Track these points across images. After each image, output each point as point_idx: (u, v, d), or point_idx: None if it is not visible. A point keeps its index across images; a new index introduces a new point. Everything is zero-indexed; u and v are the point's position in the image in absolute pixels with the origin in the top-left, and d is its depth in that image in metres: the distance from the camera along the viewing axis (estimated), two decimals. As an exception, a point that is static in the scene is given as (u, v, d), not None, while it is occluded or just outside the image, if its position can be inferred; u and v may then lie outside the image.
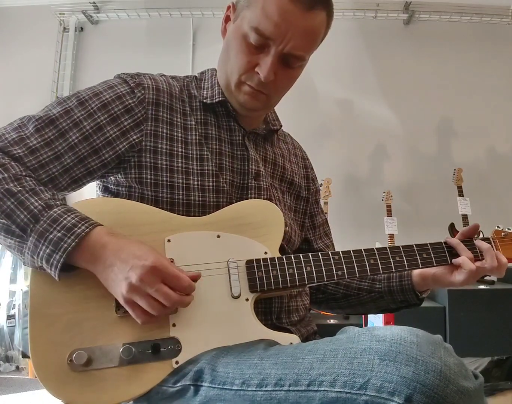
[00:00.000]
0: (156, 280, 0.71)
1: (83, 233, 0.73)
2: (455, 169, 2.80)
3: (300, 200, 1.10)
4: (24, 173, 0.78)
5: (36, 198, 0.75)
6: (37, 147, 0.81)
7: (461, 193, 2.73)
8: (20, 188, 0.75)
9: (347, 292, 1.10)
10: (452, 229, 2.69)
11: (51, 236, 0.72)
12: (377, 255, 0.89)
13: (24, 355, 2.66)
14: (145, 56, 3.24)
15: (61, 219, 0.74)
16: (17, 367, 2.75)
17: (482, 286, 2.44)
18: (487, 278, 2.54)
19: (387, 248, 0.90)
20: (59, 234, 0.72)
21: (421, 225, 3.00)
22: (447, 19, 3.19)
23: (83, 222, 0.74)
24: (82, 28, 3.41)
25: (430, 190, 3.10)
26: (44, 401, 2.26)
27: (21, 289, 2.78)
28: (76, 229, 0.73)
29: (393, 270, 0.89)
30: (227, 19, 0.96)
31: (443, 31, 3.22)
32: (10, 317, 2.79)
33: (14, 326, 2.77)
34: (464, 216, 2.64)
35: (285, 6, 0.83)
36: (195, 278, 0.77)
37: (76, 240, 0.72)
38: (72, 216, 0.75)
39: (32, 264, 0.75)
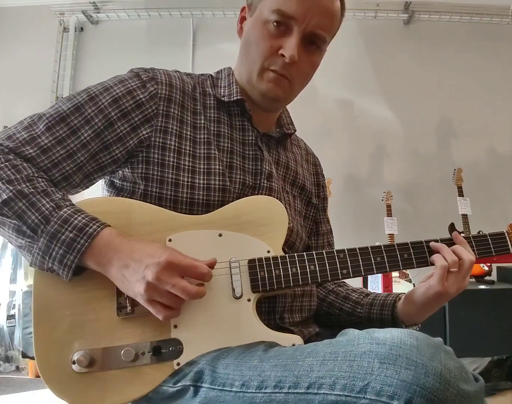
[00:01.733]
0: (172, 275, 0.72)
1: (95, 233, 0.74)
2: (455, 169, 2.80)
3: (311, 206, 1.09)
4: (36, 174, 0.78)
5: (48, 200, 0.75)
6: (48, 146, 0.81)
7: (461, 193, 2.73)
8: (32, 190, 0.75)
9: (329, 311, 1.07)
10: (452, 229, 2.69)
11: (63, 237, 0.73)
12: (384, 252, 0.86)
13: (24, 355, 2.65)
14: (145, 56, 3.23)
15: (72, 219, 0.74)
16: (17, 367, 2.75)
17: (482, 286, 2.44)
18: (487, 278, 2.55)
19: (395, 245, 0.88)
20: (71, 235, 0.73)
21: (421, 225, 3.00)
22: (447, 19, 3.19)
23: (94, 222, 0.75)
24: (82, 28, 3.40)
25: (430, 190, 3.10)
26: (44, 401, 2.26)
27: (21, 289, 2.77)
28: (88, 229, 0.74)
29: (401, 268, 0.87)
30: (242, 19, 0.97)
31: (443, 31, 3.22)
32: (10, 317, 2.78)
33: (14, 326, 2.76)
34: (464, 216, 2.64)
35: None
36: (211, 265, 0.77)
37: (89, 240, 0.73)
38: (82, 216, 0.75)
39: (41, 265, 0.75)
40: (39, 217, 0.74)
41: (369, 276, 2.31)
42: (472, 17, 3.15)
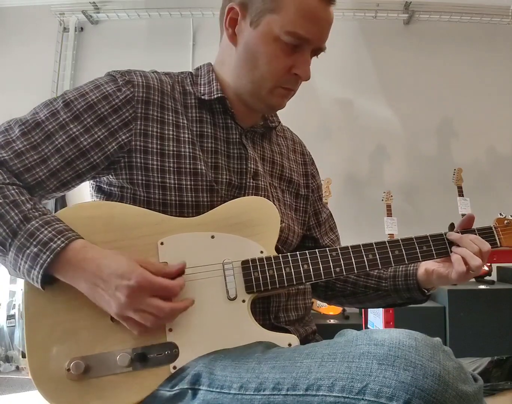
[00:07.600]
0: (145, 295, 0.71)
1: (58, 248, 0.72)
2: (455, 169, 2.79)
3: (300, 198, 1.08)
4: (7, 181, 0.78)
5: (17, 211, 0.74)
6: (22, 150, 0.81)
7: (461, 193, 2.72)
8: (1, 200, 0.75)
9: (355, 290, 1.08)
10: (452, 229, 2.69)
11: (28, 251, 0.72)
12: (375, 249, 0.87)
13: (24, 355, 2.65)
14: (145, 56, 3.24)
15: (38, 233, 0.73)
16: (17, 367, 2.75)
17: (482, 286, 2.44)
18: (487, 278, 2.55)
19: (386, 242, 0.89)
20: (35, 250, 0.72)
21: (421, 225, 2.99)
22: (447, 19, 3.19)
23: (59, 236, 0.73)
24: (82, 28, 3.41)
25: (430, 190, 3.10)
26: (44, 401, 2.26)
27: (21, 289, 2.76)
28: (51, 243, 0.72)
29: (393, 265, 0.88)
30: (232, 22, 0.91)
31: (443, 31, 3.22)
32: (10, 317, 2.79)
33: (14, 326, 2.77)
34: (464, 216, 2.64)
35: (315, 5, 0.86)
36: (181, 271, 0.77)
37: (51, 256, 0.72)
38: (49, 229, 0.74)
39: (16, 275, 0.76)
40: (7, 230, 0.73)
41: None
42: (472, 17, 3.15)
